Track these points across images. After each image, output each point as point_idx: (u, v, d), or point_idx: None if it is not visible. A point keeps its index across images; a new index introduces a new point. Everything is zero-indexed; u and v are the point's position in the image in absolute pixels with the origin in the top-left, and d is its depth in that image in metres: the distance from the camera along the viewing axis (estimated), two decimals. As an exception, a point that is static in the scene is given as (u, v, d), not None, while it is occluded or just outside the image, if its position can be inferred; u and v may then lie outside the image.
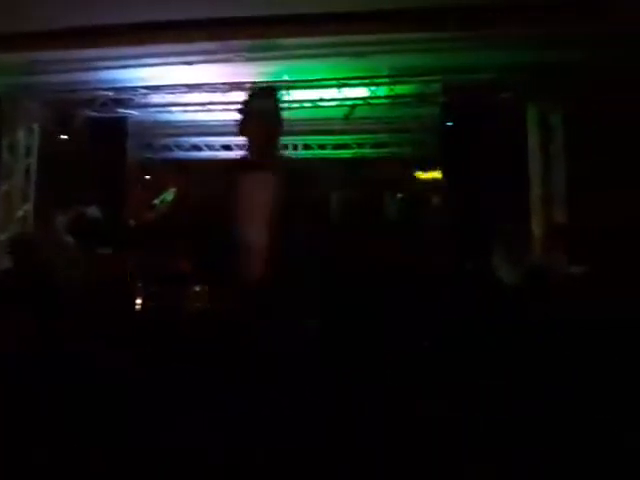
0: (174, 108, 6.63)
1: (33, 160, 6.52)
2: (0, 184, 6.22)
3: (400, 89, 6.18)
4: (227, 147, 8.00)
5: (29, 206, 6.47)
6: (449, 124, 6.39)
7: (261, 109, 2.24)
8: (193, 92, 6.29)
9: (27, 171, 6.47)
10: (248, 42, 5.41)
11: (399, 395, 3.00)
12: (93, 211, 5.39)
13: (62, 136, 6.25)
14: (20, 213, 6.37)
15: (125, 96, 6.38)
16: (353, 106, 6.23)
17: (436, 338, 3.97)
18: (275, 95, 2.35)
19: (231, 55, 5.66)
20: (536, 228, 6.14)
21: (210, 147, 8.16)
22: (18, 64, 5.59)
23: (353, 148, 7.94)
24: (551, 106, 6.17)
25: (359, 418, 2.71)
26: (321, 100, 6.15)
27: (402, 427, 2.66)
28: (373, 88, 6.08)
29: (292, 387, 2.00)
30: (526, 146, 6.25)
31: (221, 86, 6.23)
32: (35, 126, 6.56)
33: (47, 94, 6.37)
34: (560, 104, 6.11)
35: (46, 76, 5.86)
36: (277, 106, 2.29)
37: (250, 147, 2.26)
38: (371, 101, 6.19)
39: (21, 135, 6.38)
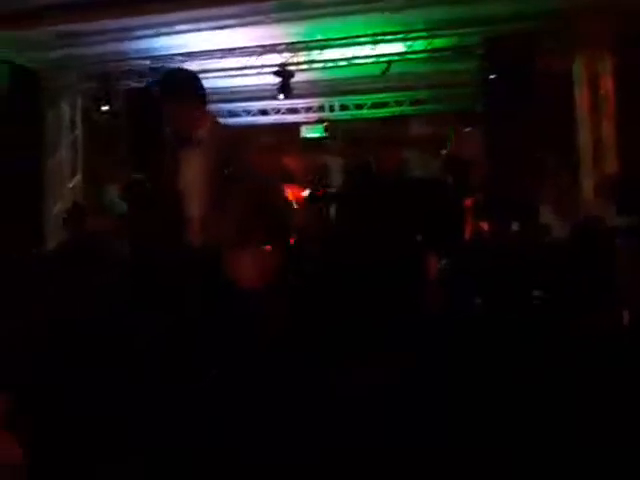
0: (210, 74, 6.63)
1: (79, 133, 6.71)
2: (49, 158, 6.43)
3: (438, 42, 5.97)
4: (264, 112, 8.00)
5: (78, 178, 6.70)
6: (491, 77, 6.16)
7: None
8: (227, 57, 6.28)
9: (74, 144, 6.67)
10: (276, 2, 5.36)
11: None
12: (141, 178, 5.54)
13: (104, 108, 6.37)
14: (70, 185, 6.61)
15: (161, 65, 6.42)
16: (389, 62, 6.06)
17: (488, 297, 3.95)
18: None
19: (262, 17, 5.60)
20: (585, 180, 5.91)
21: (248, 112, 8.17)
22: (56, 37, 5.71)
23: (391, 106, 7.78)
24: (598, 54, 5.84)
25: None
26: (355, 58, 6.02)
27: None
28: (409, 43, 5.89)
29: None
30: (572, 98, 5.96)
31: (255, 49, 6.20)
32: (78, 99, 6.73)
33: (86, 67, 6.49)
34: (608, 52, 5.77)
35: (84, 48, 5.97)
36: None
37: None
38: (408, 56, 6.01)
39: (65, 109, 6.55)
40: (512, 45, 5.85)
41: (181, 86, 2.32)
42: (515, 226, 5.57)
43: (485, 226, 5.48)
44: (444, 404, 2.41)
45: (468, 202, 5.33)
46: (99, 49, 6.03)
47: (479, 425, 2.25)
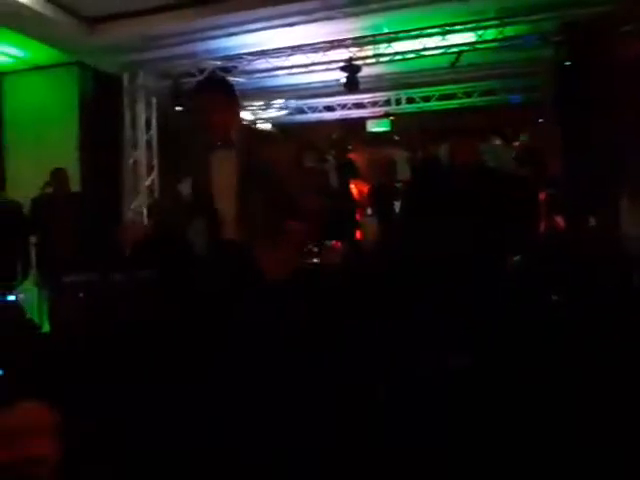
0: (278, 72, 6.74)
1: (154, 132, 7.00)
2: (127, 157, 6.75)
3: (510, 30, 5.78)
4: (330, 108, 8.04)
5: (154, 175, 7.00)
6: (567, 64, 5.91)
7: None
8: (295, 54, 6.35)
9: (149, 143, 6.97)
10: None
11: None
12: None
13: (177, 107, 6.61)
14: (146, 183, 6.91)
15: (231, 64, 6.58)
16: (459, 53, 5.93)
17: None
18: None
19: (331, 13, 5.62)
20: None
21: (313, 109, 8.25)
22: (134, 41, 5.98)
23: (460, 97, 7.62)
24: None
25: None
26: (424, 50, 5.93)
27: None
28: (480, 32, 5.75)
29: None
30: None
31: (322, 45, 6.23)
32: (153, 100, 7.02)
33: (161, 68, 6.75)
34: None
35: (159, 51, 6.22)
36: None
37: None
38: (478, 46, 5.86)
39: (141, 109, 6.85)
40: (589, 30, 5.58)
41: (215, 91, 2.47)
42: (592, 221, 5.34)
43: (561, 221, 5.29)
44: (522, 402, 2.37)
45: (542, 196, 5.16)
46: (174, 51, 6.26)
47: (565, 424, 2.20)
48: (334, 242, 4.69)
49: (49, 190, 4.72)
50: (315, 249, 4.52)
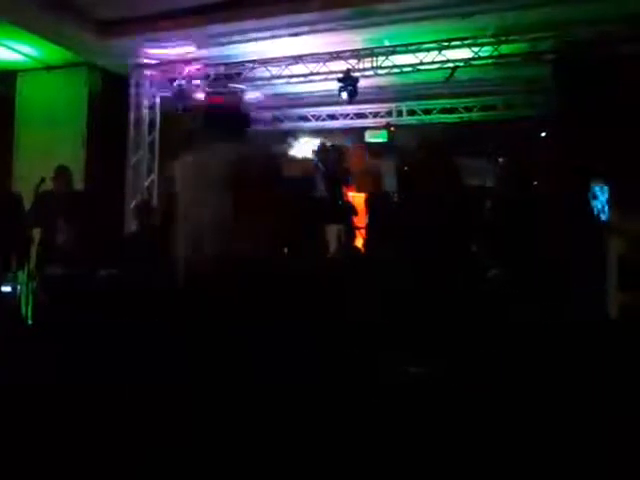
0: (281, 80, 6.88)
1: (156, 133, 7.19)
2: (130, 156, 6.94)
3: (506, 48, 5.87)
4: (332, 116, 8.17)
5: (154, 177, 7.18)
6: (564, 82, 5.97)
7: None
8: (298, 64, 6.49)
9: (151, 144, 7.15)
10: (349, 10, 5.49)
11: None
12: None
13: (180, 111, 6.79)
14: (146, 183, 7.10)
15: (235, 71, 6.75)
16: (454, 68, 6.02)
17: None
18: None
19: (333, 25, 5.75)
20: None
21: (317, 117, 8.38)
22: (141, 44, 6.20)
23: (460, 112, 7.71)
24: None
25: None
26: (422, 64, 6.03)
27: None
28: (476, 49, 5.84)
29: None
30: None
31: (324, 56, 6.37)
32: (157, 102, 7.21)
33: (166, 71, 6.94)
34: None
35: (165, 55, 6.42)
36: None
37: None
38: (474, 62, 5.95)
39: (145, 111, 7.04)
40: (585, 50, 5.65)
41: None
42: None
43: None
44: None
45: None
46: (180, 55, 6.45)
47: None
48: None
49: (46, 186, 4.88)
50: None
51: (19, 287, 4.89)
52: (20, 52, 6.51)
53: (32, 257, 4.94)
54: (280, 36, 5.99)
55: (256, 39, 6.05)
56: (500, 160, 4.47)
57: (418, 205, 3.92)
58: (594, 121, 5.68)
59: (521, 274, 4.11)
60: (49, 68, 6.93)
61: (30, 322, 4.24)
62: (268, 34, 5.95)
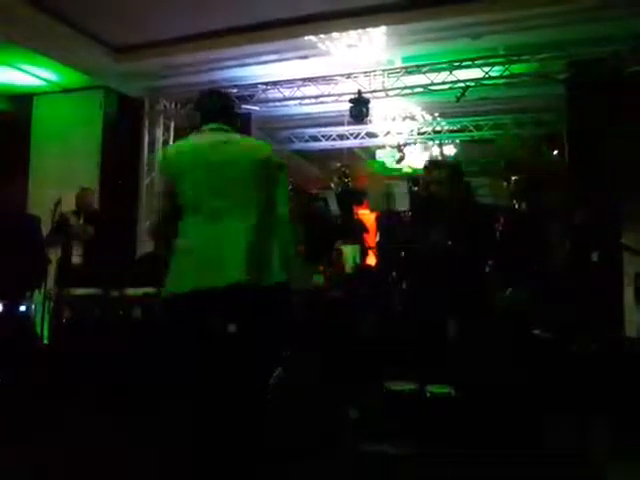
0: (292, 102, 6.96)
1: (170, 155, 7.26)
2: (142, 178, 7.03)
3: (516, 68, 5.92)
4: (343, 136, 8.24)
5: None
6: (574, 101, 6.00)
7: None
8: (308, 85, 6.57)
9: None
10: (361, 32, 5.57)
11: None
12: None
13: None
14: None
15: (247, 92, 6.84)
16: (465, 88, 6.07)
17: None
18: None
19: (344, 47, 5.83)
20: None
21: (327, 137, 8.45)
22: (156, 68, 6.31)
23: (471, 131, 7.75)
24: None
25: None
26: (432, 84, 6.09)
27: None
28: (487, 68, 5.90)
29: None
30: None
31: (335, 78, 6.45)
32: (171, 124, 7.32)
33: (180, 94, 7.06)
34: None
35: (179, 78, 6.53)
36: None
37: None
38: (485, 82, 6.00)
39: (159, 132, 7.14)
40: (596, 69, 5.68)
41: None
42: (594, 256, 5.33)
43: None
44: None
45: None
46: (192, 79, 6.55)
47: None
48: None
49: (61, 209, 4.93)
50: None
51: (33, 307, 4.94)
52: (38, 77, 6.65)
53: (49, 277, 4.99)
54: (289, 59, 6.08)
55: (266, 62, 6.15)
56: (513, 178, 4.47)
57: (430, 225, 3.94)
58: (604, 139, 5.70)
59: (536, 292, 4.10)
60: (65, 91, 7.06)
61: (46, 342, 4.26)
62: (277, 57, 6.04)
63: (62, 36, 5.62)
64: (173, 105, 7.29)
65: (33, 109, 7.21)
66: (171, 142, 7.26)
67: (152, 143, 7.10)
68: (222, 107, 2.32)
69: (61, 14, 5.45)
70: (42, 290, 4.55)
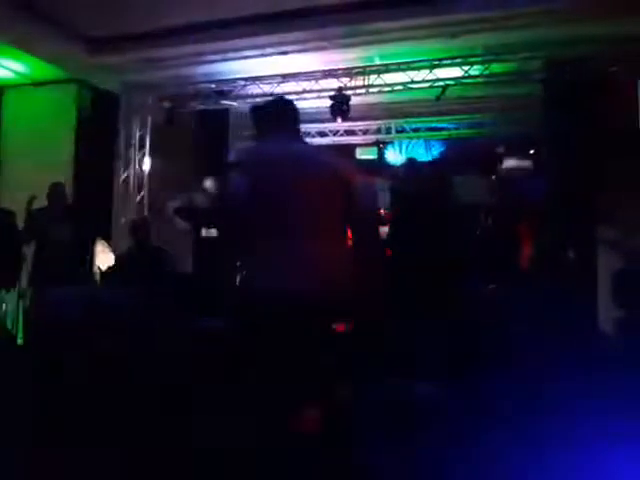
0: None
1: (146, 150, 7.14)
2: (118, 173, 6.88)
3: (496, 67, 5.97)
4: (322, 134, 8.21)
5: (144, 193, 7.12)
6: (552, 101, 6.08)
7: None
8: (289, 81, 6.52)
9: (141, 161, 7.11)
10: (342, 29, 5.55)
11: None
12: (198, 197, 5.83)
13: (171, 127, 6.76)
14: (137, 199, 7.03)
15: (226, 88, 6.75)
16: (444, 87, 6.11)
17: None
18: None
19: (325, 43, 5.80)
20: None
21: (306, 134, 8.40)
22: (132, 62, 6.16)
23: (448, 130, 7.81)
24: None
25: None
26: (412, 82, 6.11)
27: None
28: (466, 67, 5.93)
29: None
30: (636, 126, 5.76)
31: (315, 74, 6.41)
32: (148, 119, 7.18)
33: (157, 89, 6.92)
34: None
35: (156, 72, 6.40)
36: None
37: None
38: (464, 81, 6.04)
39: (135, 128, 7.00)
40: (574, 69, 5.77)
41: None
42: (571, 253, 5.42)
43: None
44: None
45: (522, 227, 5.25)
46: (171, 73, 6.43)
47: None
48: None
49: (35, 203, 4.81)
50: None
51: (4, 305, 4.80)
52: (8, 68, 6.44)
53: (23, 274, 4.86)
54: (270, 54, 6.01)
55: (246, 57, 6.07)
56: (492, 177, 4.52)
57: (408, 221, 3.94)
58: (582, 139, 5.79)
59: (517, 288, 4.14)
60: (37, 84, 6.85)
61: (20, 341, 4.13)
62: (258, 52, 5.97)
63: (31, 26, 5.39)
64: (150, 100, 7.14)
65: (4, 102, 7.00)
66: (148, 137, 7.13)
67: (128, 137, 6.94)
68: None
69: (27, 1, 5.24)
70: (16, 288, 4.43)
